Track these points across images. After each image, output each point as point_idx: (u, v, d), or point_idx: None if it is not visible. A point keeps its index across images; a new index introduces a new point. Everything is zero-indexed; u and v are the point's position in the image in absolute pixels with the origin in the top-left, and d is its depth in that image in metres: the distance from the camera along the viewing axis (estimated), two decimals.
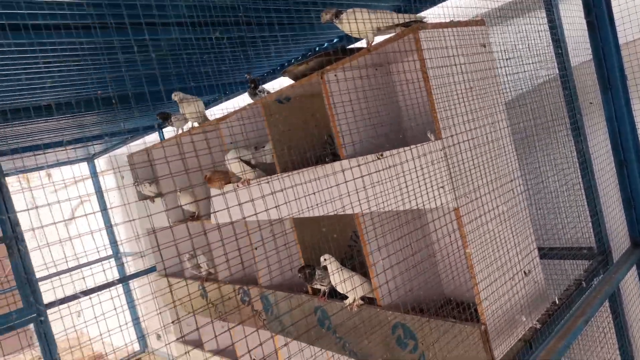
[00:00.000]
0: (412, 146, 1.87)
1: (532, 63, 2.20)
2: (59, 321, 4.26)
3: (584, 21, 2.29)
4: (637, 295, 2.59)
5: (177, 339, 4.51)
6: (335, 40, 3.23)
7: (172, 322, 4.46)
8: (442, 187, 1.78)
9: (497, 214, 2.01)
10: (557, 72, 2.26)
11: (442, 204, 1.85)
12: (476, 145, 1.94)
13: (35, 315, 4.09)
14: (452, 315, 2.07)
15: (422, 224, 2.46)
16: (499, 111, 2.06)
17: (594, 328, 2.53)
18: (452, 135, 1.83)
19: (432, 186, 1.86)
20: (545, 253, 2.48)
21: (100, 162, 6.50)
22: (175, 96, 3.19)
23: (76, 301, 4.42)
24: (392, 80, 2.50)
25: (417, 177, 1.87)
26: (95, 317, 2.70)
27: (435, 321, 2.03)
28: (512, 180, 2.10)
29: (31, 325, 4.38)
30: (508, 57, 2.03)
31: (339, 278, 2.40)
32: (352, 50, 2.31)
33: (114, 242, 6.27)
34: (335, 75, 2.20)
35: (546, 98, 2.36)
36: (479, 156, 1.94)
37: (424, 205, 1.88)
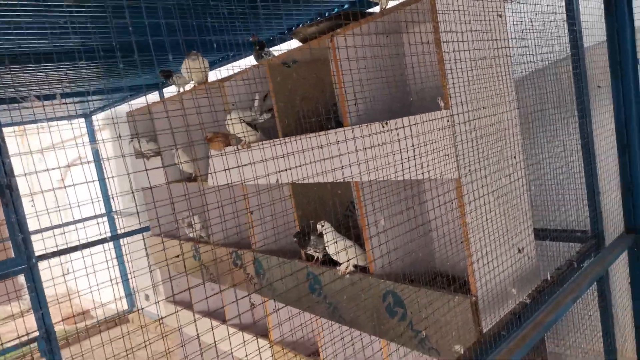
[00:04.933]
0: (418, 115, 1.85)
1: (546, 39, 2.17)
2: (48, 275, 4.26)
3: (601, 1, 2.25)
4: (626, 283, 2.62)
5: (166, 298, 4.54)
6: (345, 6, 3.17)
7: (162, 282, 4.48)
8: (447, 155, 1.77)
9: (496, 187, 2.01)
10: (570, 50, 2.23)
11: (443, 174, 1.84)
12: (482, 117, 1.92)
13: (26, 265, 4.09)
14: (441, 287, 2.09)
15: (420, 195, 2.46)
16: (509, 85, 2.04)
17: (579, 314, 2.58)
18: (460, 104, 1.81)
19: (435, 156, 1.85)
20: (540, 233, 2.49)
21: (98, 119, 6.42)
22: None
23: (66, 256, 4.42)
24: (403, 48, 2.47)
25: (420, 146, 1.86)
26: (87, 273, 2.69)
27: (425, 290, 2.05)
28: (514, 157, 2.10)
29: (20, 277, 4.39)
30: (522, 29, 2.00)
31: (333, 243, 2.41)
32: (364, 15, 2.27)
33: (107, 200, 6.26)
34: (345, 39, 2.16)
35: (555, 77, 2.34)
36: (484, 128, 1.93)
37: (423, 174, 1.87)
